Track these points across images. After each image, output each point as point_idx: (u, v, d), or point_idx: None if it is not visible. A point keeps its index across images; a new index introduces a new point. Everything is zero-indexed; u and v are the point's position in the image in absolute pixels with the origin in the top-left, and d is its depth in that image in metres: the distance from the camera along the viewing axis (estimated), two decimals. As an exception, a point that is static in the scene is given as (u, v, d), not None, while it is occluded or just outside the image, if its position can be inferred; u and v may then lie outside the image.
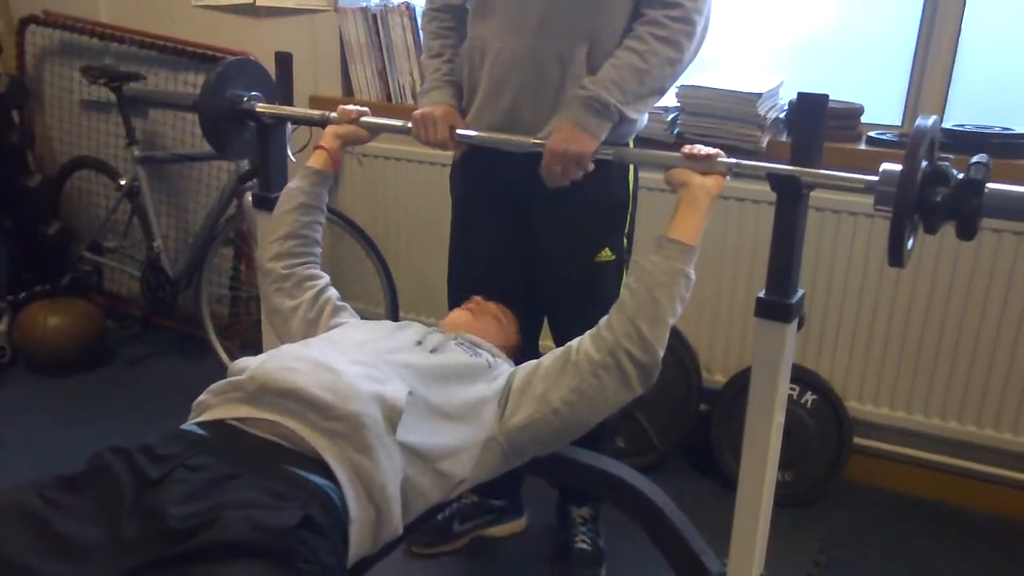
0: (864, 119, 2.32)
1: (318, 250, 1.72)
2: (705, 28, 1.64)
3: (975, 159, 1.19)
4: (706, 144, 1.43)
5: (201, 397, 1.30)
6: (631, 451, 2.48)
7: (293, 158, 1.98)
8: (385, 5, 2.71)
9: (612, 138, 1.66)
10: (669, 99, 2.34)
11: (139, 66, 3.14)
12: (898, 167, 1.17)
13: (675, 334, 2.48)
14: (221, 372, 1.32)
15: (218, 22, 3.02)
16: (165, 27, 3.09)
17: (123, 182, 3.14)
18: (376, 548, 1.24)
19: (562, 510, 2.15)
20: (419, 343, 1.46)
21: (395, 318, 2.73)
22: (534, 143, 1.60)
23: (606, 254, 1.79)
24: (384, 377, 1.28)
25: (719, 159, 1.39)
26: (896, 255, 1.18)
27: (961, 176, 1.18)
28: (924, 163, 1.17)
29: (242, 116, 1.87)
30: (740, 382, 2.40)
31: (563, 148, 1.56)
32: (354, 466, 1.18)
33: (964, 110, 2.28)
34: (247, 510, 1.03)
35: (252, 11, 2.93)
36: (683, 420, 2.48)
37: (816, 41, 2.49)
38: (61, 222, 3.46)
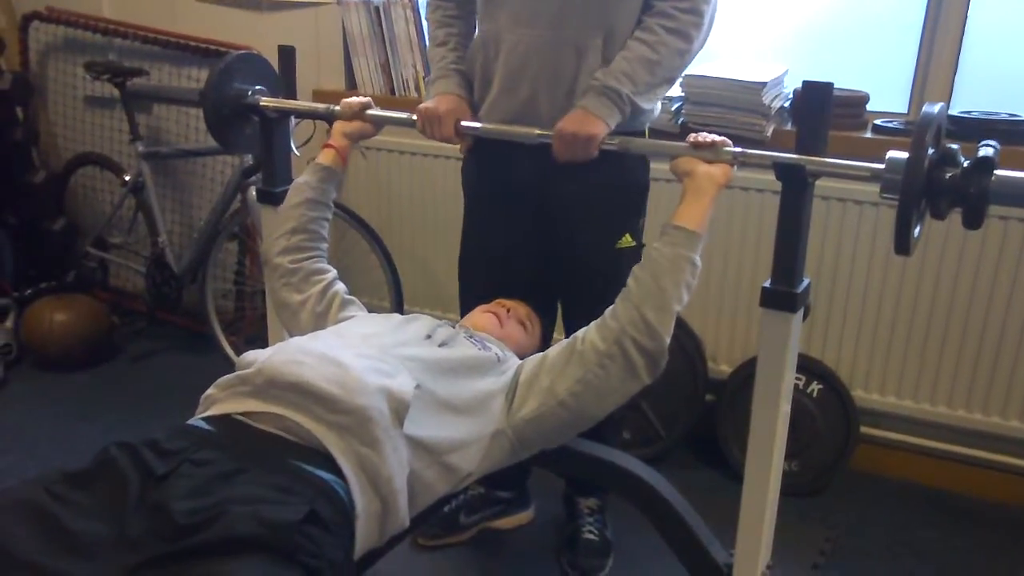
0: (870, 107, 2.31)
1: (325, 245, 1.72)
2: (712, 18, 1.65)
3: (983, 144, 1.18)
4: (711, 133, 1.43)
5: (208, 391, 1.30)
6: (637, 442, 2.48)
7: (297, 152, 1.98)
8: (387, -3, 2.71)
9: (628, 127, 1.67)
10: (674, 88, 2.33)
11: (142, 62, 3.13)
12: (904, 155, 1.16)
13: (680, 324, 2.46)
14: (227, 367, 1.32)
15: (221, 16, 3.01)
16: (168, 22, 3.09)
17: (127, 178, 3.14)
18: (383, 541, 1.24)
19: (569, 501, 2.16)
20: (428, 336, 1.46)
21: (400, 311, 2.73)
22: (539, 134, 1.60)
23: (627, 240, 1.79)
24: (392, 370, 1.28)
25: (725, 148, 1.38)
26: (902, 243, 1.18)
27: (968, 162, 1.17)
28: (931, 150, 1.16)
29: (246, 111, 1.87)
30: (746, 372, 2.39)
31: (572, 131, 1.56)
32: (360, 459, 1.18)
33: (970, 97, 2.27)
34: (252, 505, 1.03)
35: (255, 5, 2.93)
36: (689, 410, 2.48)
37: (821, 29, 2.47)
38: (66, 218, 3.46)
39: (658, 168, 2.08)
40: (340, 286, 1.67)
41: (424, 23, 2.65)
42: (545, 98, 1.68)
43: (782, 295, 1.34)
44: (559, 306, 1.98)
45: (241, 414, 1.22)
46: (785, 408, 1.40)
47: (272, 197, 1.89)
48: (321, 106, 1.82)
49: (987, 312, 2.20)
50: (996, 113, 2.17)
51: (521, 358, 1.52)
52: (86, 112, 3.44)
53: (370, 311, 1.64)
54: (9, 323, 3.10)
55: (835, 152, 1.30)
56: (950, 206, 1.19)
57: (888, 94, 2.37)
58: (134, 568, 0.99)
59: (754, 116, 2.22)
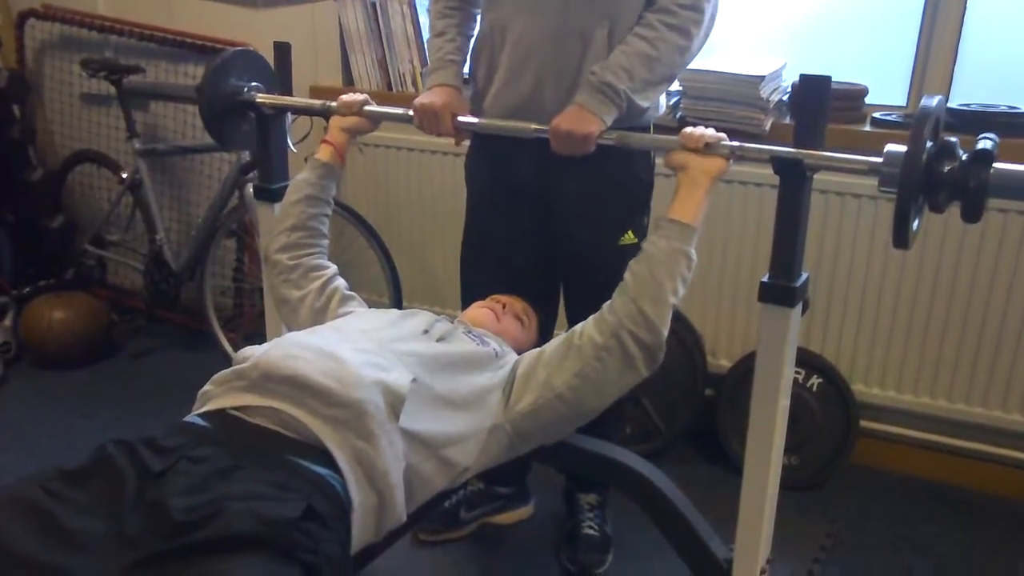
0: (869, 100, 2.31)
1: (325, 242, 1.72)
2: (713, 16, 1.65)
3: (981, 137, 1.17)
4: (709, 128, 1.42)
5: (205, 387, 1.30)
6: (636, 437, 2.48)
7: (293, 148, 1.98)
8: (384, -7, 2.70)
9: (631, 123, 1.66)
10: (673, 82, 2.33)
11: (138, 59, 3.13)
12: (902, 148, 1.16)
13: (680, 319, 2.48)
14: (226, 364, 1.32)
15: (217, 13, 3.00)
16: (164, 19, 3.08)
17: (125, 175, 3.13)
18: (380, 536, 1.24)
19: (569, 497, 2.15)
20: (426, 332, 1.46)
21: (398, 307, 2.72)
22: (536, 129, 1.59)
23: (629, 237, 1.78)
24: (388, 365, 1.28)
25: (722, 143, 1.38)
26: (901, 237, 1.17)
27: (966, 155, 1.17)
28: (929, 144, 1.16)
29: (242, 107, 1.86)
30: (745, 366, 2.39)
31: (567, 129, 1.56)
32: (356, 453, 1.18)
33: (970, 89, 2.26)
34: (250, 502, 1.03)
35: (251, 2, 2.92)
36: (688, 405, 2.48)
37: (820, 22, 2.47)
38: (64, 216, 3.46)
39: (662, 162, 2.09)
40: (340, 282, 1.67)
41: (420, 18, 2.65)
42: (550, 88, 1.68)
43: (780, 289, 1.33)
44: (561, 302, 1.97)
45: (237, 409, 1.22)
46: (784, 403, 1.40)
47: (269, 194, 1.89)
48: (318, 102, 1.82)
49: (987, 305, 2.19)
50: (995, 105, 2.16)
51: (519, 353, 1.52)
52: (83, 109, 3.43)
53: (369, 307, 1.64)
54: (8, 321, 3.09)
55: (834, 145, 1.30)
56: (949, 200, 1.19)
57: (887, 87, 2.36)
58: (132, 565, 0.98)
59: (752, 110, 2.21)
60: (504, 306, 1.69)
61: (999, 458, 2.30)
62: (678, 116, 2.32)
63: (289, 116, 1.96)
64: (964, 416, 2.29)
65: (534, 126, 1.60)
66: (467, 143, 1.95)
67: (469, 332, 1.52)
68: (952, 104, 2.17)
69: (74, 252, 3.39)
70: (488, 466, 1.40)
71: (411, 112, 1.72)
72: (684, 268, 1.37)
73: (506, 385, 1.41)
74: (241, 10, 2.96)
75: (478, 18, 1.82)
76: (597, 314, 1.41)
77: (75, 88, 3.40)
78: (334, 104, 1.76)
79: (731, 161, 1.39)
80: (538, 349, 1.45)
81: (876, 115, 2.26)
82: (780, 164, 1.30)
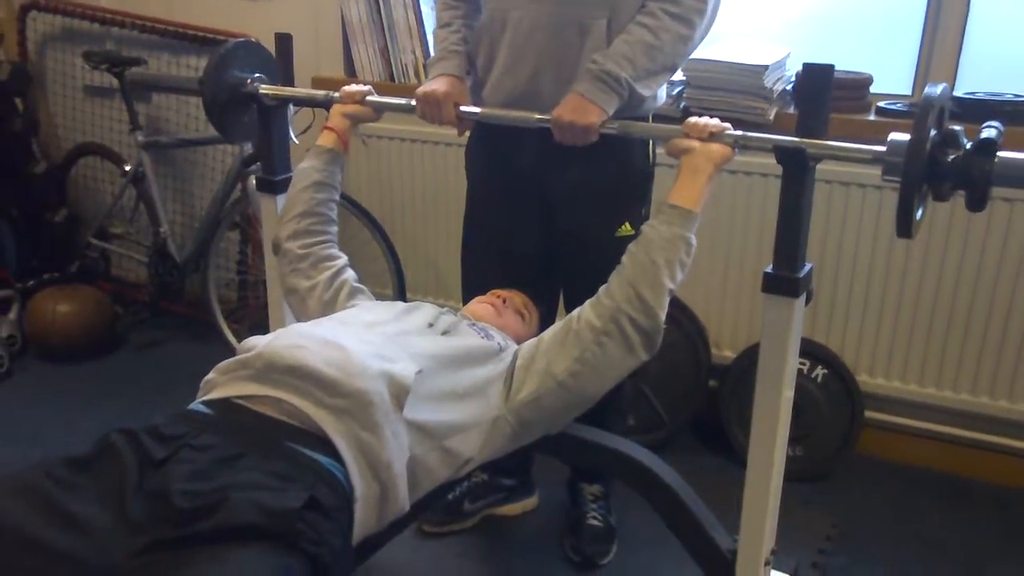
0: (873, 89, 2.29)
1: (334, 228, 1.72)
2: (716, 6, 1.64)
3: (986, 126, 1.17)
4: (712, 117, 1.42)
5: (209, 375, 1.31)
6: (640, 428, 2.48)
7: (296, 140, 1.97)
8: (386, -17, 2.69)
9: (631, 113, 1.65)
10: (676, 73, 2.32)
11: (140, 51, 3.12)
12: (906, 137, 1.15)
13: (684, 310, 2.47)
14: (229, 356, 1.32)
15: (218, 5, 2.99)
16: (165, 11, 3.07)
17: (128, 168, 3.14)
18: (381, 526, 1.24)
19: (573, 488, 2.16)
20: (430, 325, 1.46)
21: (402, 299, 2.72)
22: (539, 119, 1.59)
23: (626, 229, 1.78)
24: (393, 356, 1.28)
25: (726, 133, 1.38)
26: (905, 226, 1.17)
27: (971, 144, 1.16)
28: (933, 132, 1.15)
29: (245, 98, 1.86)
30: (750, 357, 2.39)
31: (568, 120, 1.55)
32: (360, 444, 1.18)
33: (976, 78, 2.24)
34: (253, 492, 1.03)
35: (252, -8, 2.92)
36: (692, 396, 2.48)
37: (824, 11, 2.45)
38: (68, 209, 3.46)
39: (664, 154, 2.08)
40: (350, 274, 1.67)
41: (423, 9, 2.64)
42: (548, 77, 1.67)
43: (784, 280, 1.33)
44: (561, 294, 1.97)
45: (241, 398, 1.22)
46: (788, 394, 1.39)
47: (271, 186, 1.89)
48: (320, 93, 1.81)
49: (992, 295, 2.18)
50: (1001, 94, 2.15)
51: (516, 342, 1.52)
52: (85, 102, 3.42)
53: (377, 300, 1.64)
54: (13, 314, 3.10)
55: (838, 135, 1.29)
56: (953, 188, 1.18)
57: (892, 76, 2.34)
58: (139, 552, 0.99)
59: (756, 99, 2.20)
60: (504, 300, 1.69)
61: (1005, 448, 2.29)
62: (682, 106, 2.30)
63: (291, 108, 1.95)
64: (969, 406, 2.28)
65: (537, 116, 1.59)
66: (465, 135, 1.95)
67: (473, 325, 1.52)
68: (958, 92, 2.16)
69: (78, 245, 3.39)
70: (492, 457, 1.40)
71: (413, 102, 1.72)
72: (683, 253, 1.37)
73: (507, 376, 1.41)
74: (242, 1, 2.95)
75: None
76: (594, 298, 1.41)
77: (78, 81, 3.40)
78: (337, 95, 1.76)
79: (736, 150, 1.39)
80: (536, 338, 1.45)
81: (881, 104, 2.25)
82: (782, 154, 1.30)
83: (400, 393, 1.23)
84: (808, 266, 1.35)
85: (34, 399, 2.78)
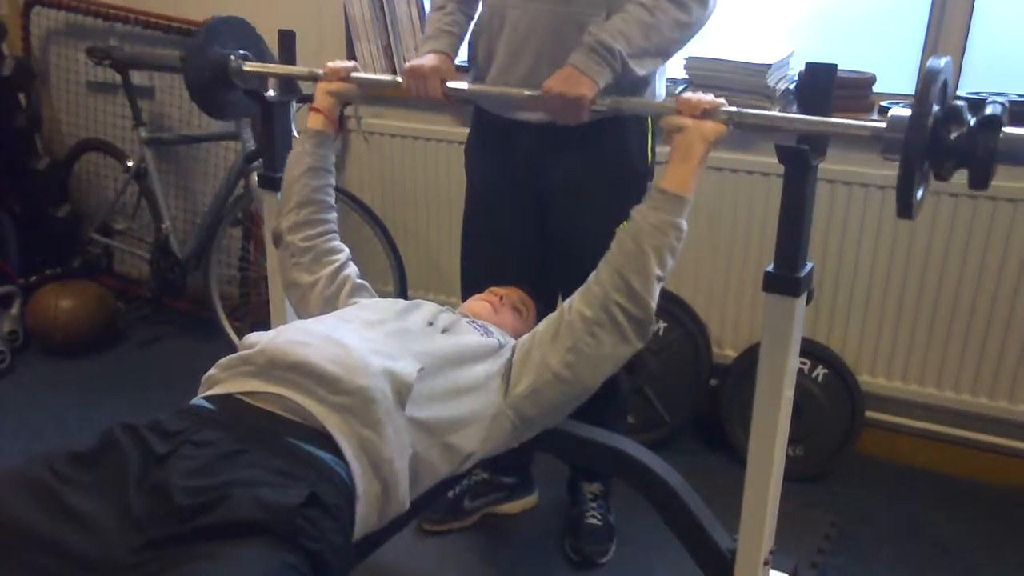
0: (876, 89, 2.28)
1: (333, 215, 1.71)
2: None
3: (990, 101, 1.14)
4: (707, 93, 1.38)
5: (210, 371, 1.30)
6: (641, 427, 2.48)
7: (298, 136, 1.97)
8: (389, -20, 2.69)
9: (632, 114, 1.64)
10: (678, 71, 2.32)
11: (144, 46, 3.12)
12: (907, 112, 1.12)
13: (685, 308, 2.47)
14: (231, 352, 1.31)
15: (222, 1, 2.99)
16: (170, 7, 3.08)
17: (130, 164, 3.14)
18: (382, 524, 1.24)
19: (573, 486, 2.16)
20: (430, 323, 1.45)
21: (404, 297, 2.72)
22: (528, 94, 1.56)
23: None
24: (395, 354, 1.28)
25: (721, 109, 1.34)
26: (905, 206, 1.13)
27: (975, 120, 1.12)
28: (936, 107, 1.11)
29: (229, 76, 1.83)
30: (751, 357, 2.39)
31: (560, 90, 1.50)
32: (361, 441, 1.18)
33: (980, 78, 2.24)
34: (253, 488, 1.03)
35: (255, -11, 2.91)
36: (693, 395, 2.48)
37: (828, 10, 2.44)
38: (70, 205, 3.46)
39: (664, 152, 2.07)
40: (352, 269, 1.66)
41: (425, 5, 2.64)
42: (546, 75, 1.65)
43: (785, 280, 1.32)
44: (559, 292, 1.97)
45: (243, 394, 1.22)
46: (789, 393, 1.39)
47: (274, 182, 1.89)
48: (304, 70, 1.79)
49: (994, 296, 2.18)
50: (1005, 93, 2.14)
51: (515, 338, 1.52)
52: (88, 98, 3.43)
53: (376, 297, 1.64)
54: (15, 310, 3.10)
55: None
56: (956, 167, 1.15)
57: (896, 76, 2.34)
58: (137, 548, 0.99)
59: (759, 98, 2.19)
60: (501, 298, 1.68)
61: (1005, 448, 2.29)
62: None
63: (294, 104, 1.95)
64: (969, 407, 2.28)
65: (527, 92, 1.56)
66: (466, 131, 1.95)
67: (473, 323, 1.52)
68: (962, 92, 2.15)
69: (80, 241, 3.39)
70: (493, 452, 1.40)
71: (399, 79, 1.69)
72: (673, 240, 1.35)
73: (504, 371, 1.41)
74: (246, -2, 2.95)
75: (480, 3, 1.81)
76: (584, 286, 1.40)
77: (81, 76, 3.40)
78: (321, 72, 1.73)
79: (730, 126, 1.36)
80: (532, 331, 1.45)
81: (883, 104, 2.24)
82: (783, 153, 1.29)
83: (402, 390, 1.23)
84: (809, 266, 1.35)
85: (36, 394, 2.78)
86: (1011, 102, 2.09)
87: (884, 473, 2.38)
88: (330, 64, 1.73)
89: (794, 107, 2.30)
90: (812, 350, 2.34)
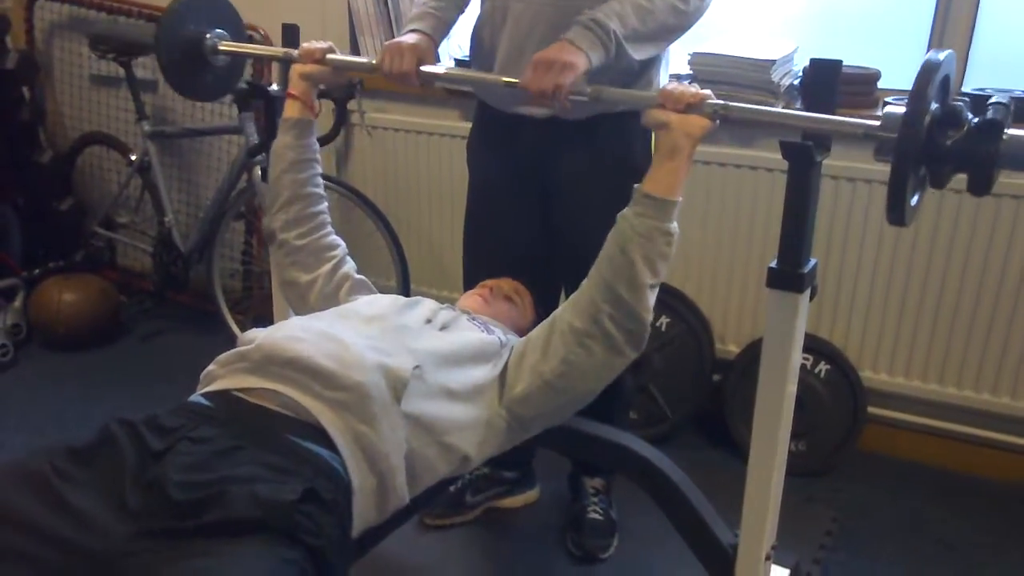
0: (881, 84, 2.28)
1: (324, 205, 1.67)
2: None
3: (993, 99, 1.07)
4: (691, 84, 1.34)
5: (209, 367, 1.30)
6: (643, 422, 2.48)
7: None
8: (393, -26, 2.68)
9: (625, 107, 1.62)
10: (681, 67, 2.31)
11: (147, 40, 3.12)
12: (902, 109, 1.06)
13: (688, 304, 2.47)
14: (234, 346, 1.32)
15: (225, -6, 2.99)
16: (172, 0, 3.07)
17: (134, 157, 3.14)
18: (382, 518, 1.24)
19: (574, 481, 2.16)
20: (429, 321, 1.44)
21: (406, 292, 2.72)
22: (506, 81, 1.52)
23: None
24: (391, 350, 1.28)
25: (706, 103, 1.29)
26: (897, 211, 1.06)
27: (976, 120, 1.06)
28: (934, 106, 1.04)
29: (203, 55, 1.79)
30: (754, 352, 2.38)
31: (551, 56, 1.44)
32: (357, 437, 1.18)
33: (986, 75, 2.23)
34: (250, 485, 1.04)
35: (259, -18, 2.91)
36: (696, 391, 2.48)
37: (833, 5, 2.44)
38: (73, 198, 3.46)
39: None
40: (350, 264, 1.65)
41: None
42: None
43: (788, 275, 1.32)
44: (562, 289, 1.97)
45: (240, 390, 1.22)
46: (791, 389, 1.39)
47: (276, 176, 1.88)
48: (280, 50, 1.75)
49: (997, 292, 2.18)
50: (1010, 90, 2.13)
51: (519, 333, 1.52)
52: (92, 91, 3.43)
53: (377, 292, 1.63)
54: (18, 303, 3.10)
55: (844, 129, 1.27)
56: (953, 172, 1.08)
57: (902, 72, 2.33)
58: (132, 539, 1.00)
59: (763, 94, 2.19)
60: (491, 289, 1.67)
61: (1007, 445, 2.29)
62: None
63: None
64: (972, 403, 2.28)
65: (505, 79, 1.53)
66: (468, 125, 1.94)
67: (473, 319, 1.51)
68: (967, 88, 2.15)
69: (83, 234, 3.39)
70: (492, 454, 1.39)
71: (374, 61, 1.64)
72: (663, 245, 1.30)
73: (501, 373, 1.40)
74: (249, -8, 2.95)
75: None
76: (575, 295, 1.37)
77: (84, 70, 3.40)
78: (296, 53, 1.67)
79: (717, 121, 1.30)
80: (527, 336, 1.44)
81: (888, 100, 2.23)
82: (787, 149, 1.28)
83: (398, 386, 1.22)
84: (813, 261, 1.34)
85: (38, 388, 2.79)
86: (1015, 99, 2.09)
87: (886, 469, 2.38)
88: (305, 45, 1.66)
89: (798, 103, 2.31)
90: (815, 346, 2.34)
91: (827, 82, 1.28)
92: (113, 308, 3.13)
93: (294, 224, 1.62)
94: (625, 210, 1.34)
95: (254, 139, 2.79)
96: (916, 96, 1.03)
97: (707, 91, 1.31)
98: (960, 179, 1.17)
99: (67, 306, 2.99)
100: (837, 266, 2.32)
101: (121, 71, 3.02)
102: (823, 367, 2.35)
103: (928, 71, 1.03)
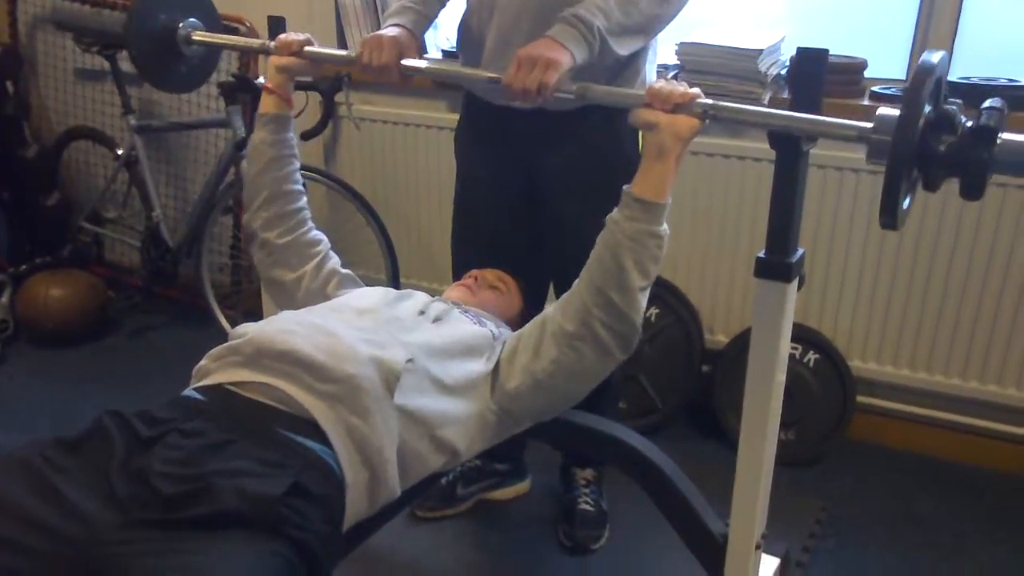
0: (868, 73, 2.28)
1: (304, 200, 1.64)
2: None
3: (987, 103, 1.06)
4: (680, 83, 1.32)
5: (201, 362, 1.30)
6: (633, 413, 2.48)
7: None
8: (379, -34, 2.67)
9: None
10: (669, 56, 2.31)
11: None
12: (895, 112, 1.06)
13: (676, 294, 2.47)
14: (223, 341, 1.31)
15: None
16: (157, -7, 3.05)
17: (120, 152, 3.12)
18: (373, 511, 1.24)
19: (565, 472, 2.16)
20: (422, 312, 1.44)
21: (396, 285, 2.72)
22: (489, 77, 1.51)
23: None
24: (384, 342, 1.27)
25: (695, 102, 1.27)
26: (889, 215, 1.06)
27: (970, 124, 1.05)
28: (927, 109, 1.04)
29: (175, 45, 1.76)
30: (743, 342, 2.39)
31: (535, 52, 1.42)
32: (349, 429, 1.17)
33: (970, 63, 2.24)
34: (236, 479, 1.04)
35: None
36: (685, 381, 2.48)
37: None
38: (60, 193, 3.44)
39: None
40: (334, 259, 1.64)
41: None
42: None
43: (776, 265, 1.32)
44: (552, 284, 1.97)
45: (232, 384, 1.22)
46: (780, 378, 1.39)
47: (264, 170, 1.86)
48: (256, 41, 1.72)
49: (984, 281, 2.19)
50: (995, 78, 2.14)
51: (506, 320, 1.52)
52: (77, 85, 3.40)
53: (365, 285, 1.63)
54: (5, 299, 3.09)
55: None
56: (946, 176, 1.09)
57: (888, 61, 2.34)
58: (120, 526, 1.00)
59: (750, 84, 2.19)
60: (476, 279, 1.67)
61: (995, 433, 2.31)
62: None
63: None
64: (960, 391, 2.29)
65: (488, 75, 1.52)
66: (456, 116, 1.94)
67: (466, 312, 1.51)
68: (953, 77, 2.15)
69: (70, 229, 3.38)
70: (482, 449, 1.39)
71: (353, 54, 1.62)
72: (654, 248, 1.29)
73: (494, 368, 1.40)
74: (235, -16, 2.93)
75: None
76: (566, 296, 1.36)
77: (69, 63, 3.37)
78: (273, 44, 1.64)
79: (706, 120, 1.28)
80: (518, 331, 1.44)
81: (875, 89, 2.24)
82: (775, 138, 1.29)
83: (390, 378, 1.22)
84: (800, 251, 1.35)
85: (26, 384, 2.77)
86: (1004, 87, 2.11)
87: (875, 457, 2.39)
88: (281, 37, 1.63)
89: (785, 92, 2.31)
90: (803, 335, 2.35)
91: (814, 71, 1.28)
92: (101, 304, 3.11)
93: (275, 222, 1.60)
94: (614, 213, 1.32)
95: (241, 132, 2.77)
96: (910, 100, 1.02)
97: (696, 89, 1.29)
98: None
99: (55, 302, 2.97)
100: (825, 255, 2.32)
101: (106, 64, 3.00)
102: (812, 356, 2.36)
103: (922, 75, 1.02)
